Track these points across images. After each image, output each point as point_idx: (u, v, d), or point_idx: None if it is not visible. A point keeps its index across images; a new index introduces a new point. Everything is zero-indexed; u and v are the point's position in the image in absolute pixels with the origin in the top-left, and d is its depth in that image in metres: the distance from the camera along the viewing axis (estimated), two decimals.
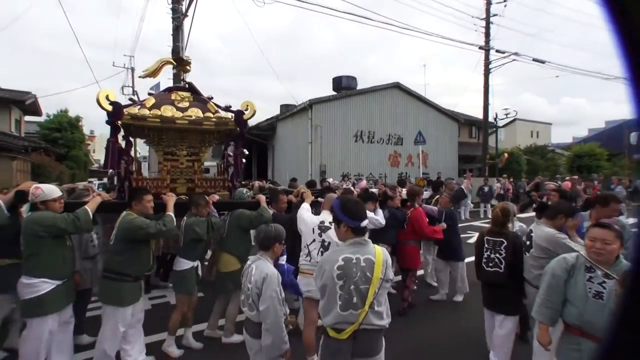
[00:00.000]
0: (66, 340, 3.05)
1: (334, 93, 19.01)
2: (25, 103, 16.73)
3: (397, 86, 19.60)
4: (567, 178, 12.69)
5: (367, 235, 2.17)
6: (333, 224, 2.37)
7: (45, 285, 2.76)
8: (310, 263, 3.15)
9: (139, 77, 4.01)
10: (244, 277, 2.37)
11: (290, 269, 3.54)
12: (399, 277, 4.62)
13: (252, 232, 3.61)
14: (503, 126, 23.87)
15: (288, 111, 19.20)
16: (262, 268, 2.26)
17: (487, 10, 17.66)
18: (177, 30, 9.51)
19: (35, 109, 18.73)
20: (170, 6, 9.45)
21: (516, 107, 25.74)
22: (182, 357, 3.37)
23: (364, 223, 2.05)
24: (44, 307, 2.76)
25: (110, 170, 3.80)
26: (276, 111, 20.54)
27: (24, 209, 2.92)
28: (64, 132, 20.24)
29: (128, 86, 21.46)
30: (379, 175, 17.93)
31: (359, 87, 19.54)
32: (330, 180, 8.59)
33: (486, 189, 14.87)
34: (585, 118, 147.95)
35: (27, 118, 19.65)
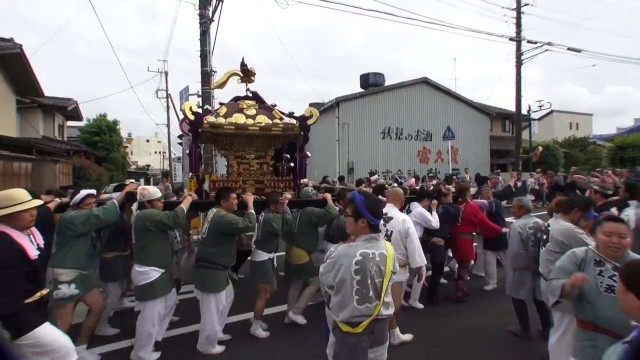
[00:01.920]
0: (166, 322, 3.56)
1: (362, 90, 19.22)
2: (67, 109, 17.86)
3: (425, 81, 19.63)
4: (605, 171, 12.49)
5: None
6: (390, 217, 2.48)
7: (154, 273, 3.28)
8: None
9: (211, 88, 4.43)
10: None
11: None
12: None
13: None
14: (538, 119, 23.39)
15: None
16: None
17: (518, 1, 17.38)
18: (205, 35, 9.91)
19: (76, 114, 19.94)
20: (198, 12, 9.87)
21: (554, 98, 25.11)
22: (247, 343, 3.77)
23: (382, 221, 2.24)
24: (155, 291, 3.28)
25: (190, 173, 4.24)
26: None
27: (134, 207, 3.44)
28: (102, 136, 21.56)
29: (162, 90, 22.39)
30: (408, 172, 18.02)
31: (387, 84, 19.67)
32: (374, 177, 8.86)
33: (519, 184, 14.75)
34: (632, 107, 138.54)
35: (69, 123, 20.91)
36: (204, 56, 9.97)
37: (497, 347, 3.66)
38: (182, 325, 4.02)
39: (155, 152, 52.95)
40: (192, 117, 3.84)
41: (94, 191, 3.53)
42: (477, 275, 5.78)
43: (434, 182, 6.09)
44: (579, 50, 17.16)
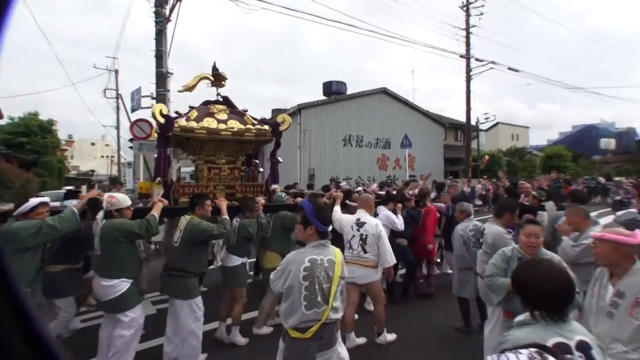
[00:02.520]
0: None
1: (324, 98, 19.53)
2: None
3: (385, 91, 20.41)
4: (539, 178, 13.88)
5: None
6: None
7: (124, 284, 3.06)
8: (352, 254, 3.65)
9: (178, 91, 4.32)
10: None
11: None
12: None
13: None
14: (486, 130, 25.23)
15: (277, 116, 19.61)
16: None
17: (467, 22, 18.69)
18: (160, 34, 9.41)
19: None
20: (153, 9, 9.29)
21: (498, 111, 27.48)
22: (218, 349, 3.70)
23: (330, 228, 2.30)
24: (127, 303, 3.07)
25: (158, 178, 4.08)
26: (268, 115, 20.81)
27: (100, 215, 3.15)
28: (32, 137, 19.05)
29: (111, 89, 20.87)
30: (367, 178, 18.50)
31: (348, 92, 20.15)
32: (343, 183, 9.03)
33: (468, 189, 15.74)
34: (559, 122, 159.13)
35: None
36: (160, 56, 9.54)
37: (443, 341, 3.93)
38: (150, 338, 3.83)
39: (102, 157, 49.31)
40: (162, 121, 3.72)
41: (46, 199, 3.22)
42: (447, 274, 6.10)
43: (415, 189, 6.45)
44: (517, 70, 18.75)
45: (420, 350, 3.75)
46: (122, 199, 3.20)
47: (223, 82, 4.52)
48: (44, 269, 3.24)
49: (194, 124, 3.93)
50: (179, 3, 9.30)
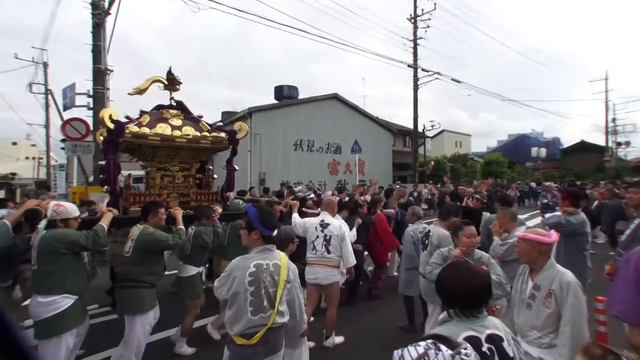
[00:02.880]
0: (74, 355, 3.14)
1: (276, 102, 19.56)
2: None
3: (336, 97, 20.91)
4: (475, 182, 15.29)
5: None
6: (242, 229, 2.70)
7: (66, 300, 2.85)
8: (316, 255, 3.81)
9: (129, 94, 4.16)
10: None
11: None
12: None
13: None
14: (432, 137, 26.88)
15: (227, 119, 19.30)
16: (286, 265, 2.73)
17: (414, 33, 19.87)
18: (99, 28, 8.94)
19: None
20: (90, 0, 8.75)
21: (444, 119, 29.57)
22: None
23: (274, 232, 2.31)
24: (65, 324, 2.85)
25: (106, 187, 3.91)
26: (218, 118, 20.35)
27: (42, 225, 2.95)
28: None
29: (38, 83, 18.87)
30: (319, 183, 18.82)
31: (300, 97, 20.38)
32: (298, 188, 9.14)
33: (415, 194, 16.71)
34: (496, 131, 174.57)
35: None
36: (98, 52, 9.03)
37: (387, 340, 4.08)
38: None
39: (27, 158, 44.84)
40: (111, 126, 3.60)
41: None
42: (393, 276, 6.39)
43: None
44: (459, 81, 20.27)
45: (365, 351, 3.89)
46: (70, 208, 3.01)
47: (177, 87, 4.47)
48: None
49: (146, 130, 3.85)
50: None
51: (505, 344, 1.42)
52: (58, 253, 2.82)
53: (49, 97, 18.41)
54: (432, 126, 22.05)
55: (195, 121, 4.40)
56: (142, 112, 4.16)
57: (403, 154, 25.64)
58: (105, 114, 3.58)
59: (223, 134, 4.35)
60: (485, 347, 1.37)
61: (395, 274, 6.28)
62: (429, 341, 1.09)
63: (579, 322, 2.03)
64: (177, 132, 4.04)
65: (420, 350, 1.05)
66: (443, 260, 2.86)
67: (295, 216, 4.22)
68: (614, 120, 33.77)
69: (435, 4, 19.21)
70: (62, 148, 10.78)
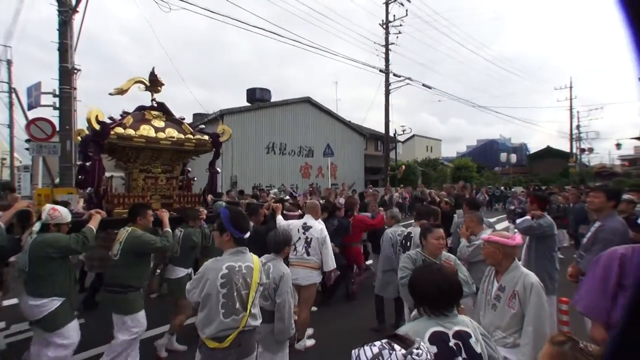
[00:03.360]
0: None
1: (248, 104, 19.62)
2: None
3: (308, 101, 21.26)
4: (444, 186, 16.14)
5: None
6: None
7: (55, 302, 2.97)
8: (296, 256, 4.04)
9: (110, 94, 4.23)
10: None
11: None
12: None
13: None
14: (403, 141, 27.75)
15: (199, 121, 19.15)
16: (279, 267, 2.86)
17: (386, 39, 20.58)
18: (65, 25, 8.79)
19: None
20: None
21: (415, 124, 30.59)
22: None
23: (246, 235, 2.34)
24: (57, 322, 2.98)
25: (90, 189, 3.96)
26: (189, 120, 20.08)
27: (36, 228, 3.00)
28: None
29: (1, 81, 18.38)
30: (291, 186, 19.03)
31: (273, 100, 20.55)
32: (274, 191, 9.33)
33: (386, 197, 17.31)
34: (466, 136, 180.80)
35: None
36: (64, 50, 8.86)
37: (359, 342, 4.36)
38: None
39: None
40: (97, 127, 3.69)
41: None
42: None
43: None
44: (430, 87, 21.16)
45: (336, 353, 3.89)
46: (65, 213, 3.12)
47: (159, 88, 4.60)
48: None
49: (131, 132, 3.96)
50: None
51: (472, 339, 1.52)
52: (49, 258, 2.94)
53: (13, 95, 18.02)
54: (404, 131, 22.83)
55: (177, 123, 4.54)
56: (125, 113, 4.25)
57: (375, 158, 26.34)
58: (91, 115, 3.67)
59: (206, 137, 4.52)
60: (452, 342, 1.48)
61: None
62: (384, 341, 1.12)
63: (540, 321, 2.12)
64: (161, 134, 4.17)
65: (375, 350, 1.09)
66: (412, 263, 2.92)
67: (280, 218, 4.45)
68: (578, 127, 34.87)
69: (407, 11, 20.01)
70: (27, 149, 10.43)
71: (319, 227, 4.17)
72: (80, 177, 4.47)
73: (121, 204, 4.02)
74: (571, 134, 34.77)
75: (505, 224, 14.76)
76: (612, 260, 2.30)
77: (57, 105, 9.53)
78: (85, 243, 3.09)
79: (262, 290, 2.85)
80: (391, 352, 1.08)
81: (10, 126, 20.44)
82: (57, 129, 9.02)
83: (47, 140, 8.98)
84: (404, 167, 23.66)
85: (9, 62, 18.49)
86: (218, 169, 4.85)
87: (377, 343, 1.11)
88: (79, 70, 9.40)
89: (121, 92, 4.34)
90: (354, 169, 23.69)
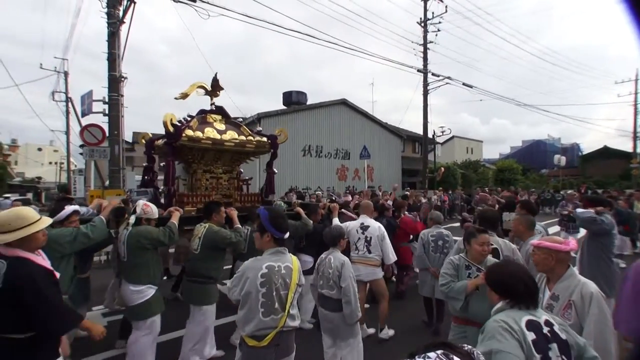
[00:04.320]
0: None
1: (284, 107, 20.13)
2: None
3: (344, 102, 21.49)
4: (481, 189, 15.77)
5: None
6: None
7: (150, 290, 3.38)
8: (358, 255, 4.31)
9: (175, 98, 4.65)
10: (322, 267, 3.27)
11: None
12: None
13: None
14: (442, 143, 27.36)
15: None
16: (338, 257, 3.19)
17: (424, 37, 20.46)
18: (113, 36, 9.52)
19: None
20: (105, 10, 9.33)
21: (454, 125, 29.96)
22: None
23: (286, 235, 2.40)
24: (152, 309, 3.38)
25: (163, 187, 4.39)
26: None
27: (131, 221, 3.41)
28: None
29: (60, 92, 20.27)
30: (327, 189, 19.28)
31: (309, 102, 20.94)
32: (318, 193, 9.67)
33: (425, 200, 17.16)
34: (509, 137, 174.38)
35: None
36: (112, 60, 9.60)
37: (413, 331, 4.58)
38: None
39: (50, 163, 47.86)
40: (172, 130, 4.09)
41: (79, 207, 3.48)
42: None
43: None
44: (471, 86, 20.75)
45: (390, 345, 4.26)
46: (154, 209, 3.54)
47: (218, 92, 4.98)
48: (76, 276, 3.40)
49: (199, 134, 4.34)
50: (132, 5, 9.36)
51: (556, 327, 1.60)
52: (144, 248, 3.34)
53: (69, 104, 19.72)
54: (442, 132, 22.55)
55: (237, 126, 4.90)
56: (190, 117, 4.65)
57: (412, 160, 26.15)
58: (167, 118, 4.07)
59: (265, 139, 4.85)
60: (545, 329, 1.56)
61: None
62: (440, 352, 1.00)
63: (603, 337, 1.97)
64: (225, 136, 4.54)
65: None
66: (454, 269, 2.89)
67: (336, 220, 4.69)
68: None
69: (446, 7, 19.81)
70: (81, 153, 11.34)
71: (376, 225, 4.42)
72: (145, 177, 4.94)
73: (189, 202, 4.40)
74: (635, 132, 31.39)
75: (556, 228, 14.30)
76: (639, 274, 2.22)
77: (107, 111, 10.38)
78: (172, 236, 3.47)
79: (326, 282, 3.18)
80: None
81: (67, 133, 22.57)
82: (107, 134, 9.80)
83: (98, 145, 9.77)
84: (442, 169, 23.30)
85: (66, 74, 20.32)
86: (275, 169, 5.15)
87: (432, 355, 0.99)
88: (125, 78, 10.16)
89: (185, 96, 4.75)
90: (391, 171, 23.65)
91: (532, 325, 1.57)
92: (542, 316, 1.63)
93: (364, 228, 4.37)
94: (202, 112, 4.84)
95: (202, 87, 4.90)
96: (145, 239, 3.33)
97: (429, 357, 0.99)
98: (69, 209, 3.31)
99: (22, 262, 2.17)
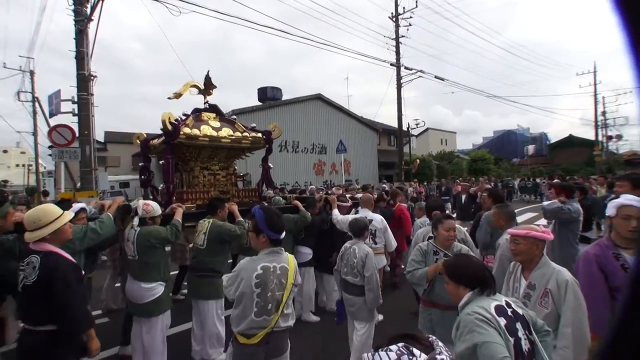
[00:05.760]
0: None
1: (259, 103, 20.17)
2: None
3: (320, 97, 21.79)
4: (459, 180, 16.59)
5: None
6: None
7: (160, 287, 3.51)
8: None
9: (168, 98, 4.74)
10: (346, 255, 3.53)
11: None
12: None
13: None
14: (417, 135, 28.16)
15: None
16: (362, 248, 3.46)
17: (396, 32, 20.99)
18: (81, 34, 9.38)
19: None
20: (72, 7, 9.19)
21: (428, 117, 30.92)
22: None
23: (282, 235, 2.40)
24: (164, 305, 3.53)
25: (162, 185, 4.49)
26: None
27: (135, 222, 3.52)
28: None
29: (26, 92, 19.64)
30: (305, 184, 19.51)
31: (284, 98, 21.08)
32: (312, 187, 9.89)
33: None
34: (481, 128, 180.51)
35: None
36: (81, 58, 9.44)
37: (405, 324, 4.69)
38: None
39: (17, 165, 46.69)
40: (170, 128, 4.21)
41: (84, 205, 3.56)
42: None
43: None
44: (442, 79, 21.51)
45: (394, 329, 4.58)
46: (155, 207, 3.65)
47: (211, 91, 5.12)
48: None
49: (197, 132, 4.48)
50: (101, 2, 9.19)
51: (514, 305, 1.75)
52: (154, 247, 3.48)
53: (36, 104, 19.21)
54: (417, 124, 23.30)
55: (231, 123, 5.06)
56: (185, 115, 4.77)
57: (388, 152, 26.84)
58: (165, 117, 4.19)
59: (260, 134, 5.04)
60: (509, 311, 1.68)
61: None
62: (401, 345, 1.02)
63: (580, 323, 2.04)
64: (221, 133, 4.70)
65: (393, 356, 0.99)
66: (422, 255, 3.03)
67: (336, 212, 4.95)
68: (604, 113, 33.72)
69: (416, 2, 20.40)
70: (50, 155, 11.04)
71: (378, 218, 4.82)
72: (142, 177, 5.02)
73: (188, 199, 4.54)
74: (596, 121, 33.87)
75: (530, 215, 15.21)
76: (589, 264, 2.39)
77: (76, 111, 10.17)
78: (178, 234, 3.63)
79: (351, 269, 3.45)
80: (411, 357, 0.99)
81: (35, 134, 21.81)
82: (77, 134, 9.65)
83: (67, 146, 9.61)
84: (418, 161, 24.06)
85: (32, 73, 19.71)
86: (270, 164, 5.34)
87: (394, 347, 1.01)
88: (95, 77, 9.98)
89: (178, 96, 4.87)
90: (367, 165, 24.22)
91: (500, 311, 1.66)
92: (502, 299, 1.75)
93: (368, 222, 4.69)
94: (197, 111, 4.96)
95: (195, 86, 5.02)
96: (155, 239, 3.47)
97: (390, 350, 1.01)
98: (76, 206, 3.42)
99: (54, 256, 2.35)
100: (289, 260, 2.40)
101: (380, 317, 4.70)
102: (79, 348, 2.46)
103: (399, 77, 21.12)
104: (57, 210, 2.46)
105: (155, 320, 3.51)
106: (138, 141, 5.06)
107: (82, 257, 3.21)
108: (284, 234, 2.42)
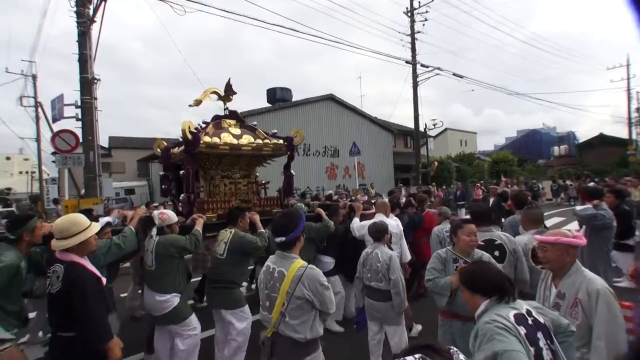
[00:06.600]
0: None
1: (269, 105, 20.28)
2: None
3: (332, 98, 21.81)
4: (477, 183, 16.49)
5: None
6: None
7: (175, 299, 3.60)
8: None
9: (189, 105, 4.83)
10: (369, 260, 3.61)
11: None
12: None
13: None
14: (435, 136, 28.01)
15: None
16: (385, 251, 3.59)
17: (412, 28, 20.97)
18: (84, 36, 9.51)
19: None
20: (74, 9, 9.32)
21: (447, 117, 30.66)
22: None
23: (280, 239, 2.46)
24: (181, 315, 3.61)
25: (183, 195, 4.56)
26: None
27: (154, 232, 3.65)
28: None
29: (28, 96, 19.95)
30: (317, 188, 19.51)
31: (294, 99, 21.15)
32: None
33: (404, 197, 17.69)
34: (503, 127, 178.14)
35: None
36: (84, 61, 9.57)
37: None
38: None
39: (20, 172, 47.76)
40: (190, 138, 4.28)
41: (111, 219, 3.67)
42: None
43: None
44: (461, 76, 21.38)
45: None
46: (171, 215, 3.77)
47: (231, 97, 5.20)
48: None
49: (217, 140, 4.55)
50: (103, 3, 9.32)
51: (534, 313, 1.75)
52: (172, 256, 3.59)
53: (39, 109, 19.34)
54: (435, 125, 23.15)
55: (252, 130, 5.13)
56: (206, 123, 4.85)
57: (404, 155, 26.72)
58: (185, 125, 4.26)
59: (281, 141, 5.09)
60: (529, 320, 1.69)
61: None
62: (418, 356, 1.02)
63: (614, 336, 1.99)
64: (242, 141, 4.76)
65: None
66: (441, 263, 3.00)
67: (356, 220, 4.98)
68: (638, 109, 32.83)
69: None
70: (53, 161, 11.23)
71: (394, 223, 4.79)
72: (163, 186, 5.13)
73: (209, 209, 4.60)
74: (629, 118, 33.01)
75: (558, 219, 15.02)
76: None
77: (79, 116, 10.35)
78: (197, 244, 3.73)
79: (375, 274, 3.52)
80: None
81: (38, 140, 22.12)
82: (81, 140, 9.76)
83: (71, 152, 9.74)
84: (436, 163, 23.91)
85: (34, 77, 20.03)
86: (292, 171, 5.39)
87: (409, 358, 1.02)
88: (98, 80, 10.12)
89: (198, 103, 4.95)
90: (382, 168, 24.17)
91: (520, 319, 1.67)
92: (523, 307, 1.75)
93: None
94: (217, 118, 5.04)
95: (215, 92, 5.11)
96: (173, 247, 3.57)
97: None
98: (102, 220, 3.52)
99: (77, 267, 2.48)
100: (291, 268, 2.37)
101: (419, 327, 4.82)
102: (99, 357, 2.53)
103: (414, 75, 21.04)
104: (85, 221, 2.57)
105: (182, 325, 3.61)
106: (159, 150, 5.17)
107: (104, 269, 3.30)
108: (283, 238, 2.43)
